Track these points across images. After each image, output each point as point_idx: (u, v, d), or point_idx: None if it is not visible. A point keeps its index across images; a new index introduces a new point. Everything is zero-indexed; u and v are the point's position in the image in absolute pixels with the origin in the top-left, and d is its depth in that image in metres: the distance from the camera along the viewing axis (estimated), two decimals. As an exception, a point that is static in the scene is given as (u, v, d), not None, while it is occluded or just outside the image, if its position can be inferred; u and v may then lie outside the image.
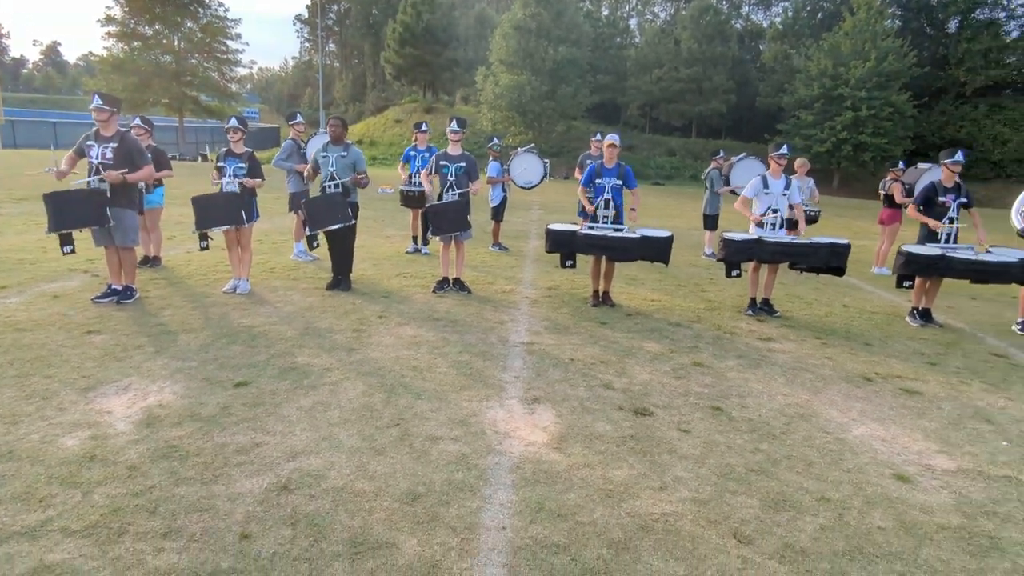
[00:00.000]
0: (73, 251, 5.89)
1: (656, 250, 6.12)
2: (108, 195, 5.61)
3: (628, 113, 48.61)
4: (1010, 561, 2.72)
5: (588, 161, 8.89)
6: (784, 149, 6.28)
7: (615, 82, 45.37)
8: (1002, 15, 38.92)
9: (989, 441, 3.91)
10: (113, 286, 5.92)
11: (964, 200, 6.38)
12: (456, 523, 2.75)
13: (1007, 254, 6.16)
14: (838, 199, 31.46)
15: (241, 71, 52.77)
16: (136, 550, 2.45)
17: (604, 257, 6.48)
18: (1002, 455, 3.73)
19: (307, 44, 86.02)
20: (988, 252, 6.26)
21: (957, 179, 6.46)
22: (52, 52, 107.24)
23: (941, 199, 6.33)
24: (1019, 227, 6.28)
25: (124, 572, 2.32)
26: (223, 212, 6.23)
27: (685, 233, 13.50)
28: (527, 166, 9.96)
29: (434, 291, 6.88)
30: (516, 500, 2.95)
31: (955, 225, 6.35)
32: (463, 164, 6.78)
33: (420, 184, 8.21)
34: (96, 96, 5.60)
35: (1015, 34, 38.62)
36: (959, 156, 6.28)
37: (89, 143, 5.67)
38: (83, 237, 6.39)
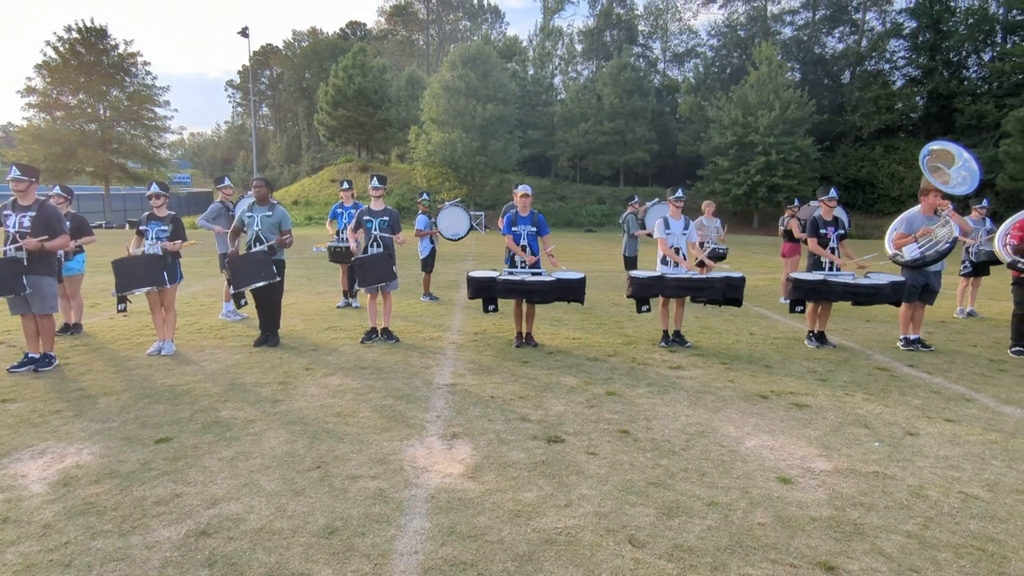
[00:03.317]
0: (-13, 322, 5.81)
1: (570, 291, 6.52)
2: (25, 263, 5.61)
3: (559, 165, 50.58)
4: (869, 543, 3.08)
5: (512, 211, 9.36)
6: (679, 193, 6.88)
7: (544, 136, 47.36)
8: (886, 66, 43.13)
9: (864, 443, 4.36)
10: (30, 355, 5.84)
11: (842, 232, 7.10)
12: (371, 551, 2.91)
13: (882, 278, 6.86)
14: (758, 237, 33.32)
15: (171, 137, 52.20)
16: (50, 600, 2.51)
17: (524, 300, 6.85)
18: (873, 454, 4.16)
19: (240, 109, 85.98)
20: (866, 277, 6.96)
21: (837, 213, 7.20)
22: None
23: (822, 231, 7.03)
24: (891, 253, 7.02)
25: (37, 621, 2.39)
26: (145, 273, 6.28)
27: (611, 275, 14.13)
28: (453, 219, 10.37)
29: (362, 342, 7.04)
30: (430, 527, 3.14)
31: (836, 254, 7.04)
32: (386, 218, 7.09)
33: (347, 240, 8.46)
34: (13, 167, 5.68)
35: (900, 83, 42.78)
36: (832, 192, 7.06)
37: (6, 212, 5.70)
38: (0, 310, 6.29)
